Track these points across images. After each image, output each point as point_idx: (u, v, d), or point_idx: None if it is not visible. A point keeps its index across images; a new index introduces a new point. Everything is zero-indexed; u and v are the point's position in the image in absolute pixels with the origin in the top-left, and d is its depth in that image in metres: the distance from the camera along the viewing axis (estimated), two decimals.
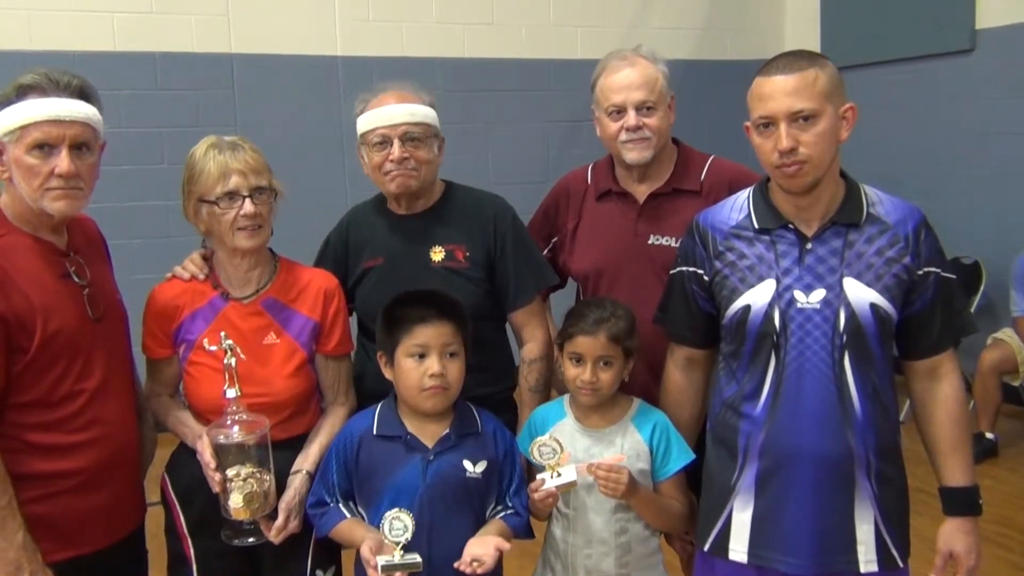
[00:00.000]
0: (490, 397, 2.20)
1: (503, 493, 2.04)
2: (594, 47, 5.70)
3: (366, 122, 2.24)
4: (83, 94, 1.83)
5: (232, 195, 1.99)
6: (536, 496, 1.94)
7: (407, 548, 1.85)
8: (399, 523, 1.85)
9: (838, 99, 1.79)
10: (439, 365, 1.95)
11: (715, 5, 6.24)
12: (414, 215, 2.31)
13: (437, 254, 2.26)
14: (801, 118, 1.74)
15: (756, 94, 1.80)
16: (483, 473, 1.99)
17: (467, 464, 1.98)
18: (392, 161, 2.20)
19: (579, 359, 2.02)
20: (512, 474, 2.04)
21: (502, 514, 2.02)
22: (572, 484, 1.93)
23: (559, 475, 1.93)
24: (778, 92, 1.75)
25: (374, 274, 2.30)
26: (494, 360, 2.29)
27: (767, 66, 1.81)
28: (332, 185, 5.23)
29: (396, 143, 2.20)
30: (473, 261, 2.25)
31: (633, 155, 2.30)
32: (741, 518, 1.89)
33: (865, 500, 1.84)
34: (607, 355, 2.01)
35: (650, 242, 2.32)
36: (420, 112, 2.23)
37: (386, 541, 1.86)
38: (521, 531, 2.03)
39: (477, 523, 1.99)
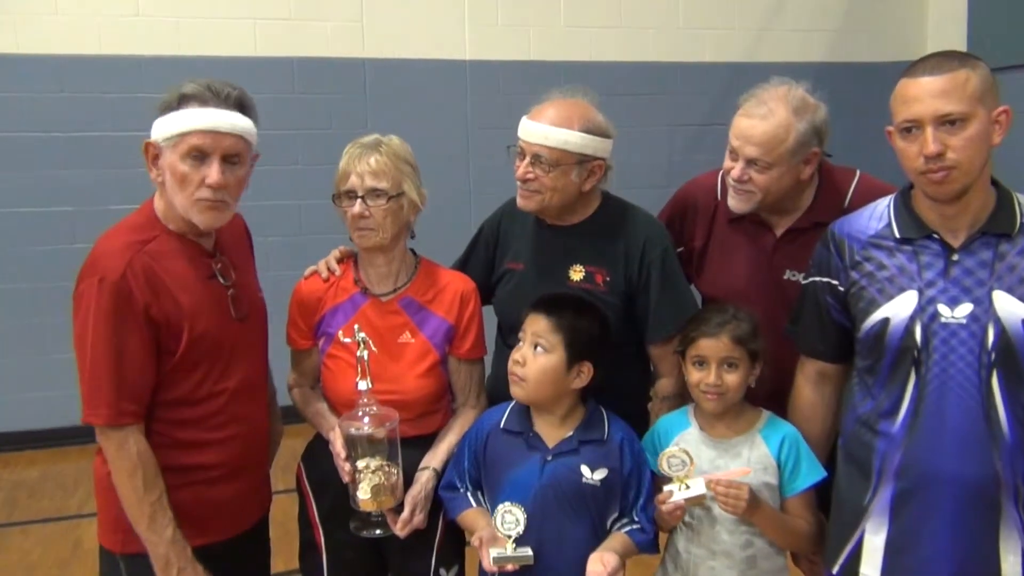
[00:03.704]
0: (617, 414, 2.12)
1: (629, 506, 2.00)
2: (723, 50, 5.55)
3: (520, 127, 2.19)
4: (241, 106, 1.87)
5: (351, 194, 2.04)
6: (664, 508, 1.91)
7: (519, 542, 1.86)
8: (511, 516, 1.87)
9: (991, 102, 1.69)
10: (520, 354, 1.98)
11: (852, 4, 6.00)
12: (561, 227, 2.25)
13: (576, 273, 2.21)
14: (949, 122, 1.65)
15: (901, 96, 1.72)
16: (603, 481, 1.96)
17: (585, 470, 1.96)
18: (519, 177, 2.18)
19: (702, 362, 1.98)
20: (640, 488, 2.00)
21: (627, 528, 1.99)
22: (702, 497, 1.89)
23: (687, 487, 1.89)
24: (925, 94, 1.67)
25: (513, 278, 2.29)
26: (627, 382, 2.24)
27: (913, 67, 1.72)
28: (458, 187, 5.31)
29: (526, 159, 2.16)
30: (611, 287, 2.19)
31: (731, 202, 2.21)
32: (874, 541, 1.81)
33: (1012, 530, 1.73)
34: (731, 357, 1.96)
35: (785, 277, 2.22)
36: (556, 136, 2.11)
37: (498, 534, 1.88)
38: (646, 547, 1.99)
39: (594, 531, 1.97)
